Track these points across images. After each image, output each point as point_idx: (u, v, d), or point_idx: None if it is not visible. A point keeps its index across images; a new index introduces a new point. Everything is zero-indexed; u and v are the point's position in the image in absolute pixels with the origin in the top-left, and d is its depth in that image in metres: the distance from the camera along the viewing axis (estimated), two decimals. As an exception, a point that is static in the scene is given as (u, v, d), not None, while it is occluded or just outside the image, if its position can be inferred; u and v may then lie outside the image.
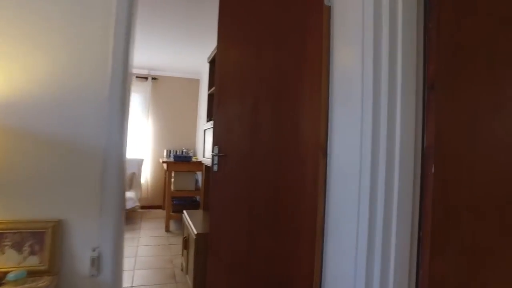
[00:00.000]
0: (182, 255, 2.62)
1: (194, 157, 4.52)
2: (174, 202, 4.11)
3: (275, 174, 1.49)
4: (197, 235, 2.04)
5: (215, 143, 1.57)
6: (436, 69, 1.03)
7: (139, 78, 4.94)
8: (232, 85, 1.60)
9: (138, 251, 3.10)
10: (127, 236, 3.38)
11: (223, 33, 1.59)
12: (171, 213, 3.95)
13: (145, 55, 4.17)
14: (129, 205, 3.89)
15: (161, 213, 4.70)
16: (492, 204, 1.08)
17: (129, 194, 4.11)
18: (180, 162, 4.06)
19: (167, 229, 3.86)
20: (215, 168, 1.56)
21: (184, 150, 4.91)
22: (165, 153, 4.94)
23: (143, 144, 4.97)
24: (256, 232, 1.50)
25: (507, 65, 1.10)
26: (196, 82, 5.28)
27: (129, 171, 4.35)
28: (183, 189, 4.07)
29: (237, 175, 1.55)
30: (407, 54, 1.01)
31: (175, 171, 4.05)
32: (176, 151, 4.90)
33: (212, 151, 1.57)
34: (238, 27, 1.60)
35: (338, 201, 1.18)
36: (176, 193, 4.05)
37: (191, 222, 2.31)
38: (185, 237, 2.43)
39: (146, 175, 5.00)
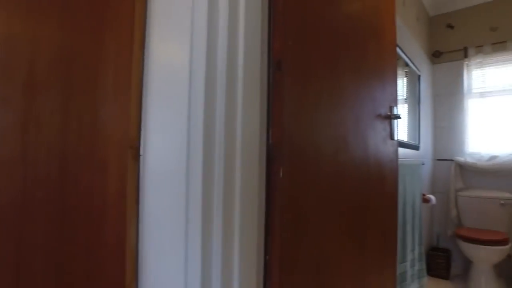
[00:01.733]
0: None
1: None
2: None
3: (58, 187, 0.94)
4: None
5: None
6: (283, 45, 0.79)
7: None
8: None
9: None
10: None
11: None
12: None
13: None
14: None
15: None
16: (338, 212, 0.97)
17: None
18: None
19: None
20: None
21: None
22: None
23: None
24: None
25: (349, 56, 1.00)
26: None
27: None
28: None
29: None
30: (250, 25, 0.75)
31: None
32: None
33: None
34: None
35: (157, 225, 0.77)
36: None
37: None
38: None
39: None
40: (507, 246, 2.38)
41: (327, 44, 0.95)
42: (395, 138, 1.32)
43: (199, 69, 0.70)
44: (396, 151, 1.36)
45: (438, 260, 2.76)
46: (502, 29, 2.90)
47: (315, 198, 0.88)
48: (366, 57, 1.16)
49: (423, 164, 2.31)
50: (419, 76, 2.62)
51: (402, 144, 2.11)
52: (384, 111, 1.27)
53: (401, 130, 2.33)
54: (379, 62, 1.27)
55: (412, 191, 2.01)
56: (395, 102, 1.36)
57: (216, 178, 0.69)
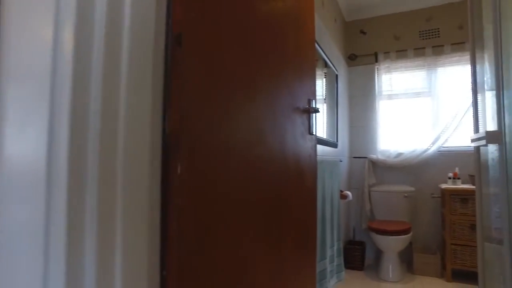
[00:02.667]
0: None
1: None
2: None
3: None
4: None
5: None
6: (186, 15, 0.66)
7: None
8: None
9: None
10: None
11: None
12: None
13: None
14: None
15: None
16: (252, 211, 0.87)
17: None
18: None
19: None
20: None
21: None
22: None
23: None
24: None
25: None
26: None
27: None
28: None
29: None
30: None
31: None
32: None
33: None
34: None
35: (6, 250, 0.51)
36: None
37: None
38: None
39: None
40: (409, 235, 2.60)
41: (241, 26, 0.84)
42: (314, 133, 1.28)
43: (66, 40, 0.51)
44: (315, 146, 1.33)
45: (354, 253, 2.90)
46: (404, 38, 3.19)
47: (225, 197, 0.76)
48: (284, 48, 1.09)
49: (340, 161, 2.39)
50: (336, 76, 2.72)
51: (321, 141, 2.14)
52: (302, 104, 1.22)
53: (321, 128, 2.38)
54: (298, 55, 1.21)
55: (330, 188, 2.04)
56: (313, 95, 1.32)
57: (88, 183, 0.52)
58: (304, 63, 1.28)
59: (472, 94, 1.47)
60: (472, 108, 1.46)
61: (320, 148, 2.14)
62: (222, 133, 0.75)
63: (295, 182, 1.14)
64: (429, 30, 3.11)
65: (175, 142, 0.65)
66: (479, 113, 1.41)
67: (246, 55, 0.86)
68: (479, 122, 1.41)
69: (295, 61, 1.18)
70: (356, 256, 2.90)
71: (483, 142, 1.20)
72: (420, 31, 3.15)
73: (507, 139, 1.10)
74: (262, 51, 0.94)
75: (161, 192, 0.63)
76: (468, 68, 2.92)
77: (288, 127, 1.09)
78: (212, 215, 0.72)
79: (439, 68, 3.03)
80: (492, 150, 1.37)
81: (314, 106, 1.28)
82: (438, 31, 3.08)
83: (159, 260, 0.63)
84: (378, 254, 2.86)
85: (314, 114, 1.29)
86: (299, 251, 1.18)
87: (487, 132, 1.14)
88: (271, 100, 0.98)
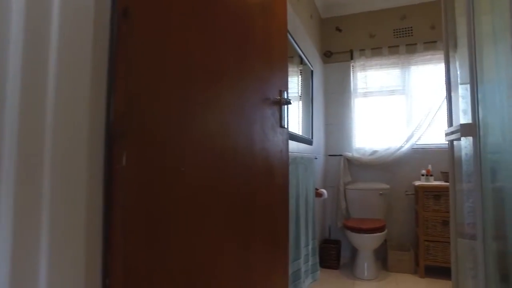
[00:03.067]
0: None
1: None
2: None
3: None
4: None
5: None
6: None
7: None
8: None
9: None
10: None
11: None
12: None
13: None
14: None
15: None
16: (215, 209, 0.78)
17: None
18: None
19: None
20: None
21: None
22: None
23: None
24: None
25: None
26: None
27: None
28: None
29: None
30: None
31: None
32: None
33: None
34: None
35: None
36: None
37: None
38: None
39: None
40: (384, 232, 2.59)
41: (200, 7, 0.76)
42: (286, 126, 1.21)
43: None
44: (287, 140, 1.26)
45: (329, 252, 2.87)
46: (379, 36, 3.20)
47: (182, 194, 0.67)
48: (253, 34, 1.01)
49: (316, 158, 2.35)
50: (312, 72, 2.68)
51: (296, 138, 2.08)
52: (273, 95, 1.14)
53: (296, 125, 2.33)
54: (268, 44, 1.14)
55: (305, 186, 1.99)
56: (285, 87, 1.25)
57: (3, 178, 0.40)
58: (276, 53, 1.21)
59: (446, 89, 1.45)
60: (446, 103, 1.44)
61: (294, 144, 2.08)
62: (179, 122, 0.67)
63: (265, 178, 1.06)
64: (403, 28, 3.14)
65: (121, 130, 0.55)
66: (452, 108, 1.40)
67: (207, 38, 0.77)
68: (453, 116, 1.39)
69: (265, 50, 1.10)
70: (331, 255, 2.87)
71: (457, 135, 1.18)
72: (394, 29, 3.16)
73: (481, 132, 1.07)
74: (226, 37, 0.85)
75: (105, 190, 0.53)
76: (440, 66, 2.96)
77: (256, 118, 1.01)
78: (165, 214, 0.63)
79: (412, 67, 3.06)
80: (465, 144, 1.34)
81: (286, 97, 1.21)
82: (411, 30, 3.11)
83: (101, 267, 0.53)
84: (354, 252, 2.85)
85: (286, 106, 1.23)
86: (270, 252, 1.11)
87: (462, 125, 1.11)
88: (236, 89, 0.90)
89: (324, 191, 2.42)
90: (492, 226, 1.07)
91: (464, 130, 1.10)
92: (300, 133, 2.43)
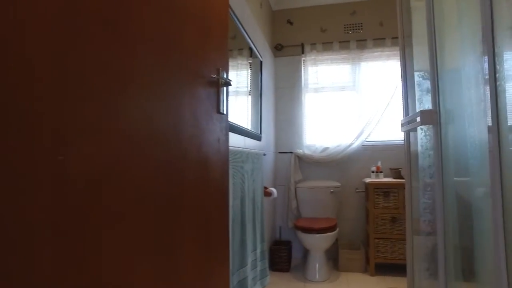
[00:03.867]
0: None
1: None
2: None
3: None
4: None
5: None
6: None
7: None
8: None
9: None
10: None
11: None
12: None
13: None
14: None
15: None
16: (126, 214, 0.58)
17: None
18: None
19: None
20: None
21: None
22: None
23: None
24: None
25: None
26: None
27: None
28: None
29: None
30: None
31: None
32: None
33: None
34: None
35: None
36: None
37: None
38: None
39: None
40: (336, 231, 2.50)
41: None
42: (224, 112, 1.01)
43: None
44: (226, 128, 1.06)
45: (280, 254, 2.72)
46: (330, 31, 3.14)
47: (64, 190, 0.44)
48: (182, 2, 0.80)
49: (264, 155, 2.18)
50: (261, 63, 2.50)
51: (242, 132, 1.89)
52: (208, 75, 0.93)
53: (244, 120, 2.13)
54: (203, 15, 0.93)
55: (252, 184, 1.80)
56: (225, 66, 1.05)
57: None
58: (213, 25, 1.00)
59: (402, 76, 1.35)
60: (401, 91, 1.34)
61: (241, 139, 1.89)
62: (76, 101, 0.43)
63: (197, 174, 0.85)
64: (353, 24, 3.10)
65: None
66: (408, 97, 1.29)
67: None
68: (409, 106, 1.29)
69: (198, 22, 0.89)
70: (282, 257, 2.72)
71: (415, 124, 1.06)
72: (345, 25, 3.12)
73: (442, 119, 0.95)
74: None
75: None
76: (388, 63, 2.97)
77: (184, 100, 0.79)
78: (57, 218, 0.39)
79: (362, 63, 3.03)
80: (421, 136, 1.24)
81: (225, 77, 1.00)
82: (361, 26, 3.08)
83: None
84: (305, 253, 2.73)
85: (225, 89, 1.02)
86: (204, 262, 0.90)
87: (422, 112, 0.99)
88: (155, 60, 0.67)
89: (273, 190, 2.26)
90: (453, 222, 0.96)
91: (424, 117, 0.98)
92: (250, 128, 2.24)
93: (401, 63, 1.35)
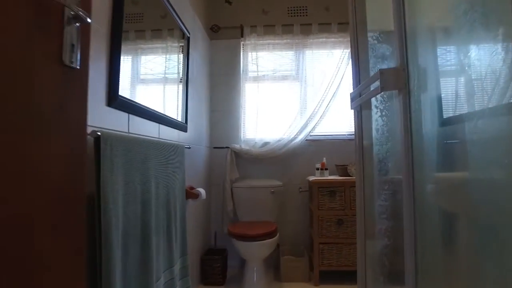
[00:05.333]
0: None
1: None
2: None
3: None
4: None
5: None
6: None
7: None
8: None
9: None
10: None
11: None
12: None
13: None
14: None
15: None
16: None
17: None
18: None
19: None
20: None
21: None
22: None
23: None
24: None
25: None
26: None
27: None
28: None
29: None
30: None
31: None
32: None
33: None
34: None
35: None
36: None
37: None
38: None
39: None
40: (276, 237, 2.18)
41: None
42: (76, 65, 0.59)
43: None
44: (84, 90, 0.64)
45: (213, 265, 2.33)
46: (272, 13, 2.83)
47: None
48: None
49: (188, 147, 1.77)
50: (188, 39, 2.07)
51: (155, 117, 1.46)
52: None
53: (174, 111, 1.70)
54: None
55: (165, 185, 1.38)
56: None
57: None
58: None
59: (352, 39, 1.04)
60: (351, 56, 1.03)
61: (152, 126, 1.46)
62: None
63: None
64: (297, 7, 2.82)
65: None
66: (360, 65, 0.98)
67: None
68: (360, 76, 0.98)
69: None
70: (215, 268, 2.33)
71: (371, 94, 0.74)
72: (288, 7, 2.83)
73: (412, 83, 0.64)
74: None
75: None
76: (334, 52, 2.73)
77: None
78: None
79: (307, 50, 2.76)
80: (376, 117, 0.93)
81: (78, 9, 0.59)
82: (306, 9, 2.81)
83: None
84: (243, 261, 2.36)
85: (75, 29, 0.60)
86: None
87: (382, 72, 0.66)
88: None
89: (201, 190, 1.86)
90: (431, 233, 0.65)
91: (386, 79, 0.65)
92: (179, 119, 1.81)
93: (351, 20, 1.04)
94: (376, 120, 0.91)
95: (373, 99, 0.89)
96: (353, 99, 0.99)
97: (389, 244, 0.89)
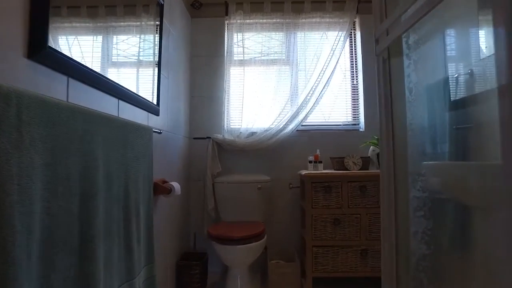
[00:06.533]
0: None
1: None
2: None
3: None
4: None
5: None
6: None
7: None
8: None
9: None
10: None
11: None
12: None
13: None
14: None
15: None
16: None
17: None
18: None
19: None
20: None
21: None
22: None
23: None
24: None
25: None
26: None
27: None
28: None
29: None
30: None
31: None
32: None
33: None
34: None
35: None
36: None
37: None
38: None
39: None
40: (263, 240, 1.89)
41: None
42: None
43: None
44: None
45: (191, 272, 2.02)
46: (262, -9, 2.54)
47: None
48: None
49: (159, 132, 1.46)
50: (162, 6, 1.75)
51: (108, 87, 1.14)
52: None
53: (149, 96, 1.39)
54: None
55: (124, 175, 1.08)
56: None
57: None
58: None
59: None
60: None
61: (110, 102, 1.15)
62: None
63: None
64: (288, -17, 2.54)
65: None
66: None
67: None
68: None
69: None
70: (194, 275, 2.03)
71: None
72: (278, -17, 2.54)
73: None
74: None
75: None
76: (329, 34, 2.47)
77: None
78: None
79: (298, 32, 2.49)
80: (409, 71, 0.65)
81: None
82: (298, -14, 2.53)
83: None
84: (225, 266, 2.07)
85: None
86: None
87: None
88: None
89: (175, 184, 1.55)
90: None
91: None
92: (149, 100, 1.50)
93: None
94: (409, 76, 0.64)
95: (404, 45, 0.62)
96: (377, 40, 0.70)
97: (428, 255, 0.61)
